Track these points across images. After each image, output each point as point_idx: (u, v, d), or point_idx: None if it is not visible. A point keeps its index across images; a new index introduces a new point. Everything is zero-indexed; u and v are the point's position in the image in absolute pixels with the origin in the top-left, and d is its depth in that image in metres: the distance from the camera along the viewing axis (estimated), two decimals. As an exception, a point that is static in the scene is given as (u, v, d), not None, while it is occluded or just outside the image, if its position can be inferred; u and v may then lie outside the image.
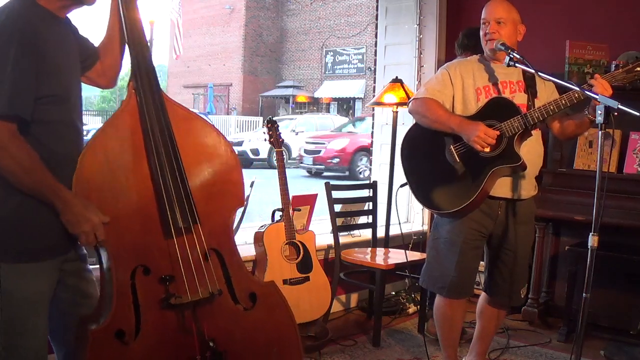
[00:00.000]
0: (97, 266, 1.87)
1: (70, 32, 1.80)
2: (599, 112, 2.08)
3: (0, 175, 1.62)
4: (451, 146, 2.54)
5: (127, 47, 1.89)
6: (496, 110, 2.50)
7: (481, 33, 2.63)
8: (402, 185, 3.15)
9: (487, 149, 2.45)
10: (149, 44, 1.92)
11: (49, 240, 1.72)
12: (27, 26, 1.59)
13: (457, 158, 2.52)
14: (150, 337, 1.77)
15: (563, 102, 2.40)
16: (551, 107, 2.42)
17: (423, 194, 2.62)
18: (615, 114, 2.08)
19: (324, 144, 13.93)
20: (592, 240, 2.11)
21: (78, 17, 1.90)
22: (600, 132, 2.11)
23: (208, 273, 1.87)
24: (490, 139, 2.42)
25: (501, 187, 2.54)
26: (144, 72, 1.85)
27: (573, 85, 2.38)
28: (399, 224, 3.62)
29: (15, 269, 1.65)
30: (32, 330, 1.70)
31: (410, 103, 2.67)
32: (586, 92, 2.22)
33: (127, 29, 1.88)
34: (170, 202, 1.80)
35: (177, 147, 1.85)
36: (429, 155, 2.62)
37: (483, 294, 2.84)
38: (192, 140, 1.91)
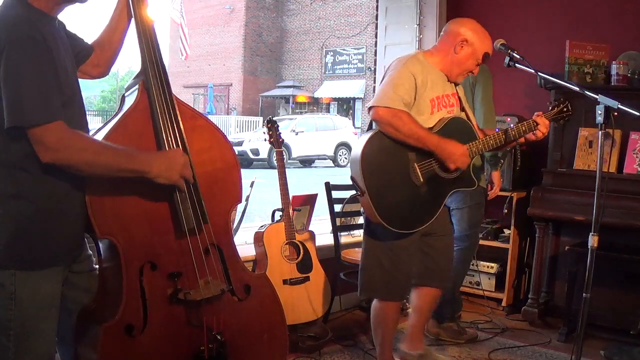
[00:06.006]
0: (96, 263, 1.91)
1: (62, 31, 1.80)
2: (599, 112, 2.09)
3: (14, 185, 1.63)
4: (415, 165, 2.50)
5: (138, 45, 1.90)
6: (457, 130, 2.56)
7: (471, 62, 2.59)
8: (353, 196, 3.09)
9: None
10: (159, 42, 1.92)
11: (62, 247, 1.74)
12: (34, 31, 1.59)
13: (420, 178, 2.50)
14: (157, 330, 1.82)
15: (512, 133, 2.57)
16: (503, 137, 2.57)
17: (384, 212, 2.46)
18: (615, 114, 2.09)
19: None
20: (592, 240, 2.11)
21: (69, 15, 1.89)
22: (600, 132, 2.11)
23: (218, 269, 1.93)
24: (467, 161, 2.52)
25: None
26: (155, 71, 1.86)
27: (573, 85, 2.40)
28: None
29: (28, 276, 1.66)
30: (42, 334, 1.71)
31: (378, 110, 2.45)
32: (586, 92, 2.23)
33: (139, 27, 1.89)
34: (185, 203, 1.83)
35: (188, 146, 1.87)
36: (391, 172, 2.50)
37: (417, 288, 2.80)
38: (197, 140, 1.94)
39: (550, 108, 2.62)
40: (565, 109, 2.60)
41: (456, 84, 2.69)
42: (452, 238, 2.87)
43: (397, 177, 2.49)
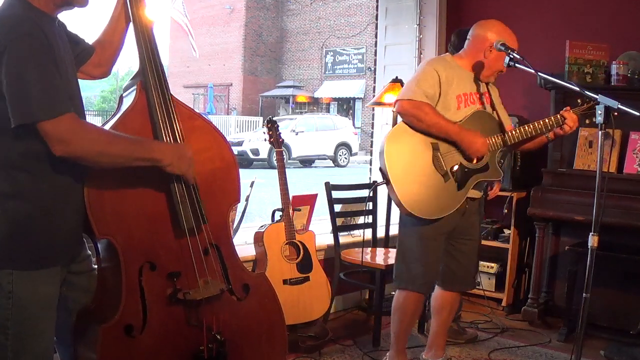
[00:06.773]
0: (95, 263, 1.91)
1: (62, 31, 1.80)
2: (599, 112, 2.09)
3: (12, 184, 1.62)
4: (439, 154, 2.56)
5: (136, 45, 1.90)
6: (480, 122, 2.62)
7: (500, 63, 2.59)
8: (379, 184, 3.19)
9: (482, 159, 2.58)
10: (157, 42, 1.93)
11: (61, 247, 1.74)
12: (36, 29, 1.58)
13: (444, 167, 2.56)
14: (157, 330, 1.82)
15: (539, 126, 2.60)
16: (529, 130, 2.60)
17: (409, 199, 2.55)
18: (615, 114, 2.09)
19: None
20: (592, 240, 2.11)
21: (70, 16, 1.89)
22: (600, 132, 2.11)
23: (217, 269, 1.94)
24: (486, 151, 2.57)
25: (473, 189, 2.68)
26: (153, 71, 1.87)
27: (573, 85, 2.40)
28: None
29: (27, 276, 1.66)
30: (41, 333, 1.71)
31: (402, 103, 2.57)
32: (586, 92, 2.23)
33: (137, 28, 1.89)
34: (184, 203, 1.84)
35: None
36: (415, 161, 2.57)
37: (438, 291, 2.86)
38: (195, 140, 1.94)
39: (580, 104, 2.61)
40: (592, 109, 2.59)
41: (487, 84, 2.74)
42: (478, 244, 2.87)
43: (421, 166, 2.57)
